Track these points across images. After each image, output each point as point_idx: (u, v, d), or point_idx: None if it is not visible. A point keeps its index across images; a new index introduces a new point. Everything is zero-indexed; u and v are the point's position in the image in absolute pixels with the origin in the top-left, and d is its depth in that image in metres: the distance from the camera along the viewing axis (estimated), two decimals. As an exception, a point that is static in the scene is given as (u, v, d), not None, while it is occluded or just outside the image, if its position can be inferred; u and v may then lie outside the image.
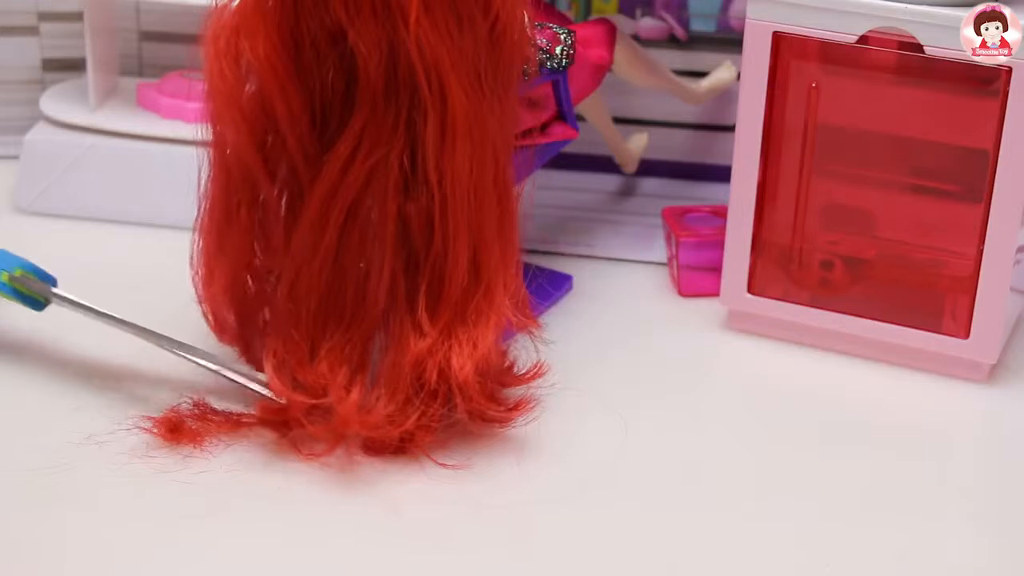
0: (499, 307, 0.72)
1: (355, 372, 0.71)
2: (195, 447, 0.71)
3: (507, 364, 0.74)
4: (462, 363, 0.70)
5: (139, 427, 0.72)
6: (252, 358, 0.75)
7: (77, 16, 0.97)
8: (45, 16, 1.00)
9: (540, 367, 0.73)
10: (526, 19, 0.72)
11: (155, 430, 0.71)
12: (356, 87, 0.70)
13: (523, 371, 0.74)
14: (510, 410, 0.72)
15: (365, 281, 0.71)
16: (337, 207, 0.70)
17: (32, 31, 1.01)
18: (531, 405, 0.73)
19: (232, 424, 0.72)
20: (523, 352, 0.74)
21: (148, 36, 1.02)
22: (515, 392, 0.73)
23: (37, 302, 0.77)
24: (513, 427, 0.72)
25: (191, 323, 0.76)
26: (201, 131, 0.73)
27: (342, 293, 0.71)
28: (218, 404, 0.73)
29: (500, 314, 0.72)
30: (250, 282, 0.74)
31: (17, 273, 0.77)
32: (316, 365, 0.71)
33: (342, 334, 0.71)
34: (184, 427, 0.72)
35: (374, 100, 0.69)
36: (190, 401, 0.73)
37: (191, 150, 0.74)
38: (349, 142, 0.70)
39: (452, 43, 0.68)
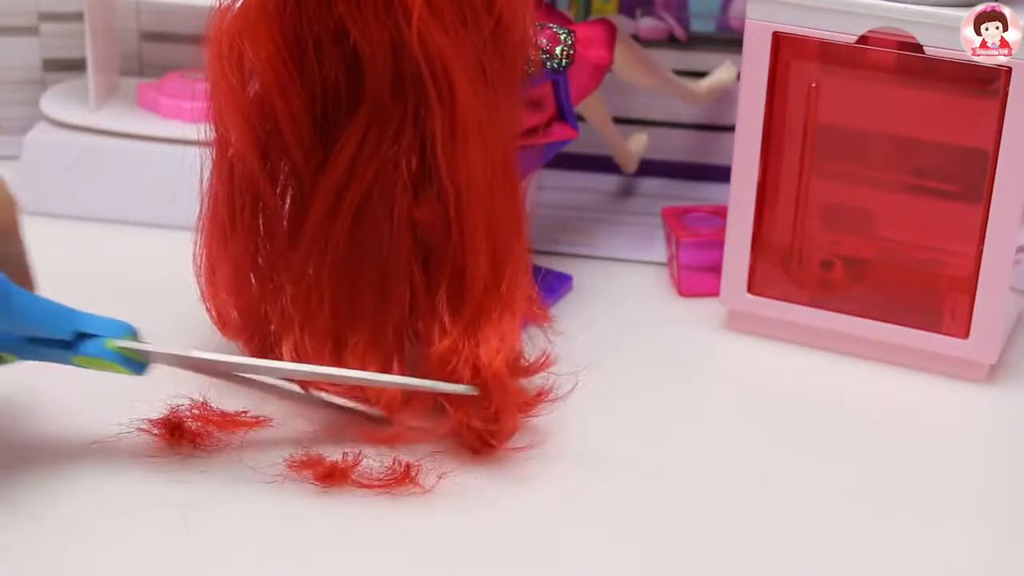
0: (521, 300, 0.72)
1: (385, 368, 0.71)
2: (195, 447, 0.71)
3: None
4: (491, 358, 0.70)
5: (139, 428, 0.72)
6: (256, 352, 0.75)
7: (77, 16, 0.97)
8: (45, 16, 1.00)
9: (548, 358, 0.73)
10: (528, 18, 0.72)
11: (155, 431, 0.71)
12: (361, 84, 0.70)
13: (531, 362, 0.73)
14: (529, 401, 0.72)
15: (384, 279, 0.71)
16: (345, 204, 0.70)
17: (32, 31, 1.01)
18: (551, 395, 0.73)
19: (232, 424, 0.72)
20: (529, 343, 0.74)
21: (148, 36, 1.02)
22: (526, 383, 0.73)
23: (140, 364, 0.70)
24: (532, 417, 0.72)
25: (194, 322, 0.76)
26: (203, 131, 0.73)
27: (360, 291, 0.71)
28: (218, 404, 0.73)
29: (522, 307, 0.72)
30: (254, 280, 0.74)
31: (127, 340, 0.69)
32: (343, 363, 0.71)
33: (366, 331, 0.71)
34: (184, 427, 0.72)
35: (379, 98, 0.69)
36: (190, 401, 0.73)
37: (191, 150, 0.74)
38: (354, 139, 0.70)
39: (457, 40, 0.68)
